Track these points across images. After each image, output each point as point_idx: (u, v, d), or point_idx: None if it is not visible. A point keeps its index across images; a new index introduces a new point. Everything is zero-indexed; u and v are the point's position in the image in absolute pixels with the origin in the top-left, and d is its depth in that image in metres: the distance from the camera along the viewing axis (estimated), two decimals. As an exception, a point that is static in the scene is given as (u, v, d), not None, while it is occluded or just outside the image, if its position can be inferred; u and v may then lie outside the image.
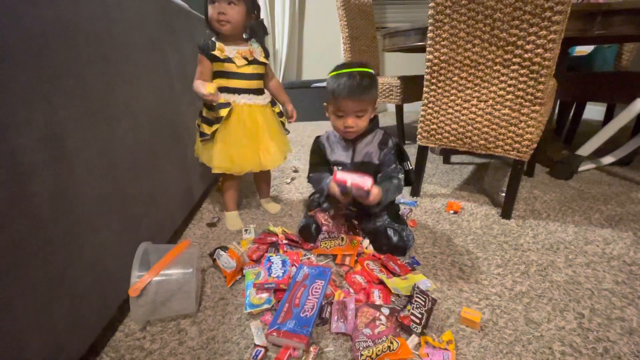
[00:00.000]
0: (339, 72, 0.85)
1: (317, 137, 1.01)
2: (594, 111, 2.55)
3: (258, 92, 0.99)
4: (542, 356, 0.58)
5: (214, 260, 0.84)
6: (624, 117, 1.25)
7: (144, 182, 0.79)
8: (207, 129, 0.95)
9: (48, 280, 0.48)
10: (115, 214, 0.66)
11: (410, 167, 0.96)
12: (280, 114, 1.07)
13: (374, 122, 0.94)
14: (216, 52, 0.90)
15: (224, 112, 0.92)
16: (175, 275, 0.69)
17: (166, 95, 0.95)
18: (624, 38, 1.50)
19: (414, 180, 1.02)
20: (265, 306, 0.70)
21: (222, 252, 0.83)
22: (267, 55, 1.00)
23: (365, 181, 0.78)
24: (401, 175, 0.92)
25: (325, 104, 0.91)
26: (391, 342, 0.58)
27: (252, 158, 0.99)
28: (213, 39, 0.93)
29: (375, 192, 0.81)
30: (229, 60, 0.92)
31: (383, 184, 0.86)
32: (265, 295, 0.72)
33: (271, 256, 0.83)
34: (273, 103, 1.05)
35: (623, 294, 0.73)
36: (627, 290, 0.74)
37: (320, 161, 1.00)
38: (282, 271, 0.78)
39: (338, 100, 0.85)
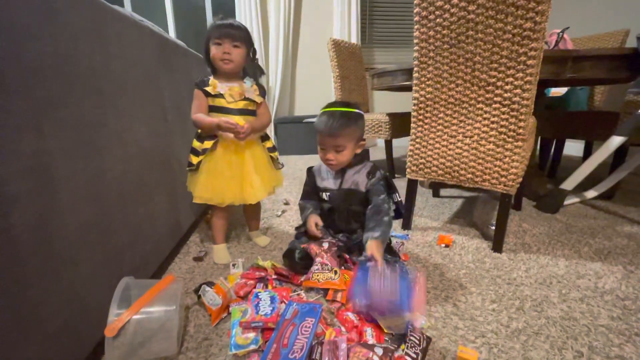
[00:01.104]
0: (323, 110, 0.93)
1: (310, 167, 1.08)
2: (573, 147, 2.67)
3: None
4: (544, 399, 0.56)
5: (199, 296, 0.80)
6: (601, 153, 1.31)
7: (130, 214, 0.77)
8: (193, 159, 0.97)
9: (20, 317, 0.45)
10: (98, 246, 0.64)
11: (400, 199, 0.99)
12: (272, 149, 1.09)
13: (362, 155, 1.00)
14: (208, 88, 0.95)
15: (208, 144, 0.96)
16: (157, 313, 0.65)
17: (159, 127, 0.96)
18: (594, 81, 1.61)
19: (404, 213, 1.04)
20: (252, 347, 0.66)
21: (207, 288, 0.80)
22: (262, 94, 1.03)
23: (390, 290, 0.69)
24: (392, 206, 0.95)
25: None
26: None
27: (234, 191, 0.99)
28: (210, 76, 0.97)
29: (377, 253, 0.82)
30: (219, 95, 0.96)
31: (376, 229, 0.88)
32: (252, 334, 0.68)
33: (259, 292, 0.80)
34: (264, 138, 1.07)
35: (620, 331, 0.72)
36: (623, 326, 0.73)
37: (310, 189, 1.06)
38: (271, 308, 0.74)
39: (318, 135, 0.92)
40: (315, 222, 0.99)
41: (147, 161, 0.87)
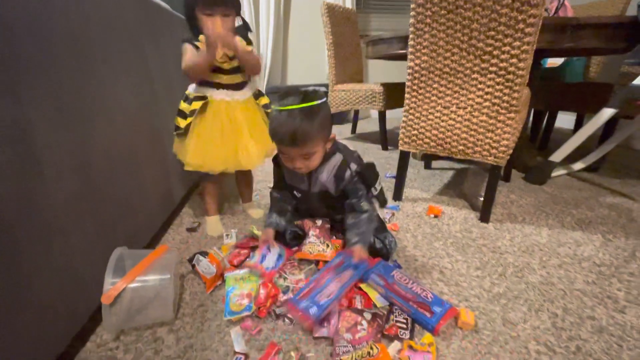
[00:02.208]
0: (279, 108, 0.73)
1: (276, 157, 0.91)
2: (565, 120, 2.68)
3: (237, 87, 0.96)
4: (519, 356, 0.60)
5: (193, 266, 0.82)
6: (592, 125, 1.32)
7: (120, 185, 0.76)
8: (181, 122, 0.93)
9: (12, 286, 0.45)
10: (88, 217, 0.64)
11: (378, 190, 0.88)
12: (268, 106, 1.01)
13: (331, 147, 0.85)
14: (198, 44, 0.89)
15: (197, 105, 0.91)
16: (152, 281, 0.66)
17: (146, 95, 0.93)
18: (591, 51, 1.59)
19: (385, 200, 0.95)
20: (245, 313, 0.69)
21: (201, 258, 0.81)
22: (249, 43, 0.95)
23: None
24: (368, 206, 0.84)
25: None
26: (371, 348, 0.57)
27: (227, 157, 0.94)
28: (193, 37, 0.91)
29: (359, 252, 0.77)
30: None
31: (354, 232, 0.81)
32: (245, 301, 0.71)
33: (272, 247, 0.84)
34: (257, 95, 1.01)
35: (593, 294, 0.76)
36: (597, 290, 0.78)
37: (280, 181, 0.95)
38: (273, 265, 0.79)
39: (278, 144, 0.77)
40: (267, 239, 0.86)
41: (134, 131, 0.85)
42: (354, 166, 0.84)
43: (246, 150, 0.96)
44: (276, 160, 0.92)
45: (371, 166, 0.88)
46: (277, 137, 0.74)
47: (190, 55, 0.89)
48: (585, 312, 0.70)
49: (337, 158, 0.84)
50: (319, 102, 0.74)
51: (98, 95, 0.69)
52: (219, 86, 0.93)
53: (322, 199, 0.90)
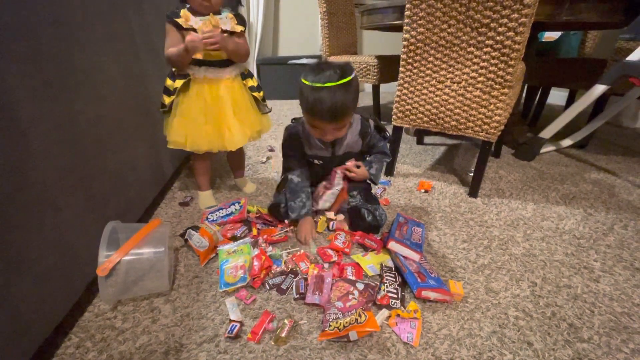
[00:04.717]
0: (315, 85, 0.73)
1: (292, 128, 0.92)
2: (557, 97, 2.68)
3: (222, 64, 0.92)
4: (499, 321, 0.64)
5: (186, 240, 0.83)
6: (583, 102, 1.33)
7: (109, 159, 0.75)
8: (165, 99, 0.91)
9: (5, 259, 0.46)
10: (79, 191, 0.63)
11: (389, 135, 1.01)
12: (256, 89, 0.99)
13: None
14: (180, 21, 0.84)
15: (178, 83, 0.89)
16: (147, 254, 0.67)
17: (131, 65, 0.89)
18: (588, 25, 1.56)
19: (391, 139, 1.07)
20: (240, 284, 0.71)
21: (193, 232, 0.82)
22: (240, 23, 0.91)
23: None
24: (386, 155, 0.98)
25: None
26: (359, 315, 0.59)
27: (211, 137, 0.93)
28: (178, 6, 0.86)
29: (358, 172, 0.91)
30: (192, 30, 0.85)
31: (370, 160, 0.95)
32: (240, 272, 0.73)
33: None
34: (245, 76, 0.98)
35: (571, 264, 0.80)
36: (574, 261, 0.82)
37: (296, 154, 0.93)
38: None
39: (315, 119, 0.77)
40: (310, 230, 0.88)
41: (122, 104, 0.83)
42: (371, 122, 0.94)
43: (229, 131, 0.93)
44: (295, 135, 0.91)
45: (374, 118, 0.98)
46: (317, 113, 0.75)
47: (170, 41, 0.85)
48: (563, 281, 0.75)
49: (357, 117, 0.92)
50: (352, 76, 0.76)
51: (81, 66, 0.66)
52: (201, 63, 0.89)
53: (342, 161, 0.93)
